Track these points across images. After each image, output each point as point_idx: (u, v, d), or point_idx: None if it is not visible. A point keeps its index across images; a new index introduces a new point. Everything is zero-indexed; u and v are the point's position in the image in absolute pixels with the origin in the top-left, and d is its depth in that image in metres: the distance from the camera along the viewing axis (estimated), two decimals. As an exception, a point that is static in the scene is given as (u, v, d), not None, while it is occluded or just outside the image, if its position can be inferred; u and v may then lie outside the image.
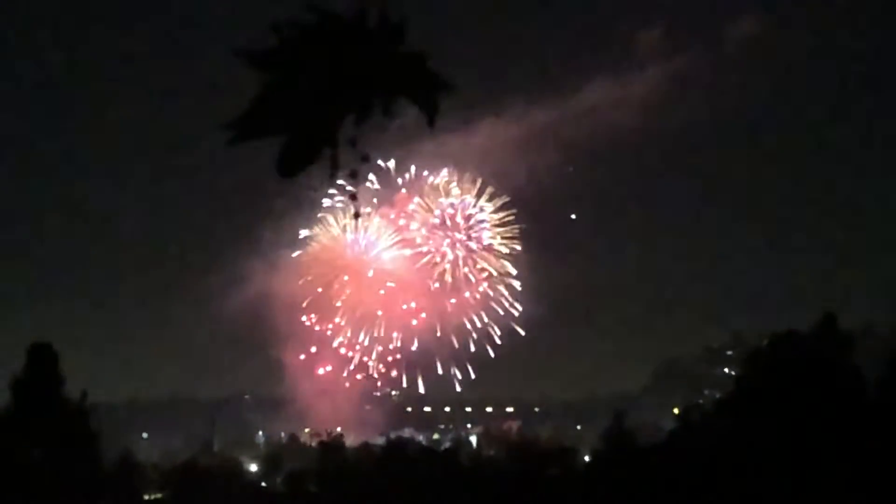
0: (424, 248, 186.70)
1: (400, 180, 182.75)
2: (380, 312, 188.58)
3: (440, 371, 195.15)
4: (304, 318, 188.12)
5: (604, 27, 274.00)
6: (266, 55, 3.01)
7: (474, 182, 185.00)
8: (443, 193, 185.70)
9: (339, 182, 3.24)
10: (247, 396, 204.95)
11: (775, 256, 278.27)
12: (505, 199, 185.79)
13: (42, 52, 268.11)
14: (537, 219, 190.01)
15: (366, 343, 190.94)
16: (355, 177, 3.16)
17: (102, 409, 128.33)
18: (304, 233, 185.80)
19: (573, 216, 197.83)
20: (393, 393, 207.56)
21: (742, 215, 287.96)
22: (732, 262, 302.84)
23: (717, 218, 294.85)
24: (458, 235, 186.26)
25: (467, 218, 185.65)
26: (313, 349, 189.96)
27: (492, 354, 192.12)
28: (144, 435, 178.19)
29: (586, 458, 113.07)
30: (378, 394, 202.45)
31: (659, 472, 76.84)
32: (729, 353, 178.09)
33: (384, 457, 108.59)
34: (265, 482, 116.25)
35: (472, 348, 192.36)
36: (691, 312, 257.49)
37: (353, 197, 3.28)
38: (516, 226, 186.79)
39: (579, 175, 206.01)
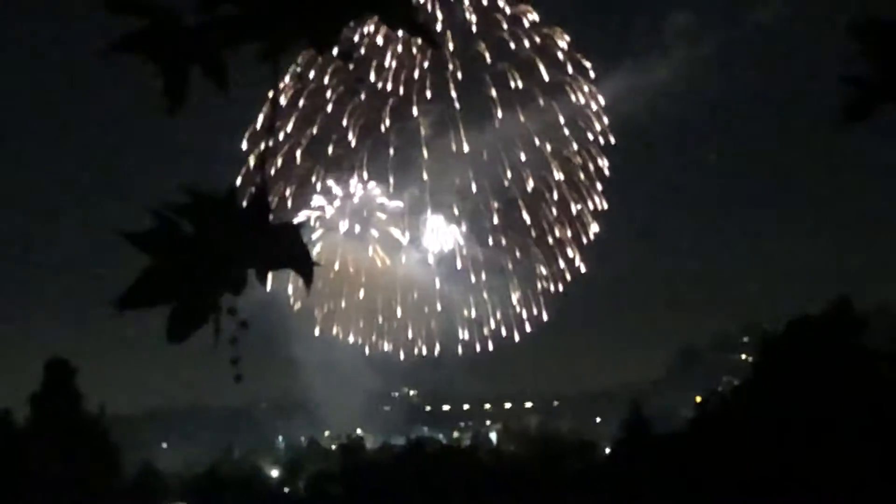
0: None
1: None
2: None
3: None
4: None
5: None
6: (146, 236, 3.39)
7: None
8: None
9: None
10: (263, 404, 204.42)
11: (790, 238, 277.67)
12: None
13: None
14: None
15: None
16: (234, 342, 3.48)
17: (122, 422, 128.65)
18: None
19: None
20: (411, 392, 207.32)
21: (757, 198, 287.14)
22: (747, 245, 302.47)
23: (727, 203, 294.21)
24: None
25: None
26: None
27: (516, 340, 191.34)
28: (164, 445, 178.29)
29: (607, 451, 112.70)
30: (396, 394, 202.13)
31: (679, 462, 76.73)
32: (745, 339, 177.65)
33: (404, 457, 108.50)
34: (287, 487, 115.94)
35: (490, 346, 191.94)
36: (707, 299, 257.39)
37: (233, 361, 3.52)
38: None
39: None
